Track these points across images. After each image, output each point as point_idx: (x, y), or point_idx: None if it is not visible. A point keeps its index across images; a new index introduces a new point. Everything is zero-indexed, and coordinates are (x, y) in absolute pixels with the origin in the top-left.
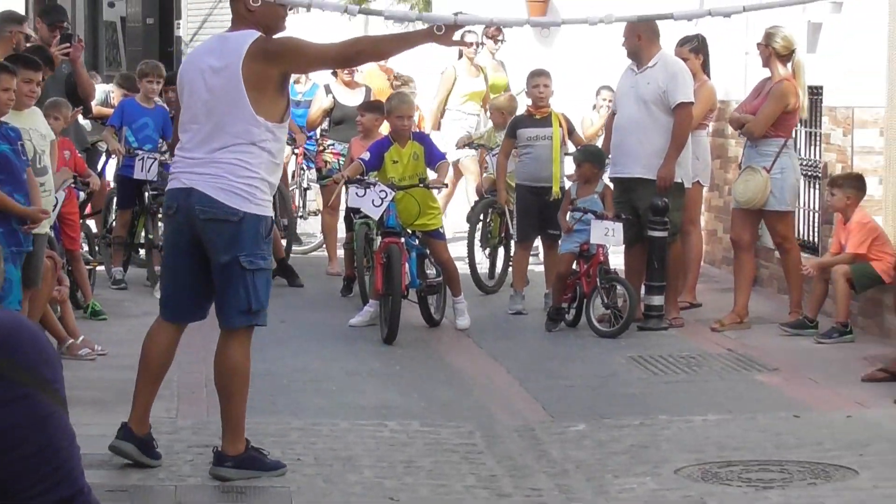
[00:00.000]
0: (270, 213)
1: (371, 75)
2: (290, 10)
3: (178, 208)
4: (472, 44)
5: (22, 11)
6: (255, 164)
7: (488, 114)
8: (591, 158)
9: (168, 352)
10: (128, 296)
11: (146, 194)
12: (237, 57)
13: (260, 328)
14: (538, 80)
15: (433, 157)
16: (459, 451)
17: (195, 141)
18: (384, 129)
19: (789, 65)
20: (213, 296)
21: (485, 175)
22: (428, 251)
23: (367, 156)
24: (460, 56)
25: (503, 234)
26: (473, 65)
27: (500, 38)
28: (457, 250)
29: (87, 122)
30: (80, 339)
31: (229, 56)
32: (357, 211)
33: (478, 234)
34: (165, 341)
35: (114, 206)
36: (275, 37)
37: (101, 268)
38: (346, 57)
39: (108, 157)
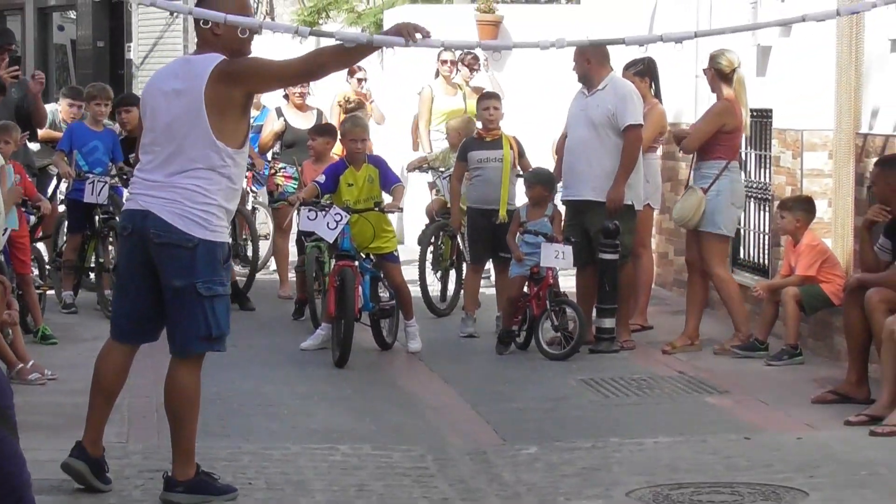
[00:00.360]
0: (227, 239)
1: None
2: (241, 32)
3: (134, 230)
4: (447, 62)
5: None
6: (212, 191)
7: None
8: (541, 181)
9: (120, 373)
10: (78, 320)
11: (97, 218)
12: (200, 80)
13: (220, 359)
14: (488, 102)
15: (388, 180)
16: (411, 474)
17: (155, 163)
18: (337, 148)
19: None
20: (164, 318)
21: (434, 197)
22: (382, 274)
23: (322, 179)
24: (437, 75)
25: (454, 257)
26: (450, 83)
27: (476, 67)
28: (409, 273)
29: (36, 145)
30: (30, 363)
31: (192, 79)
32: (309, 234)
33: (429, 257)
34: (117, 362)
35: (64, 230)
36: (239, 58)
37: (51, 292)
38: (309, 70)
39: (59, 180)
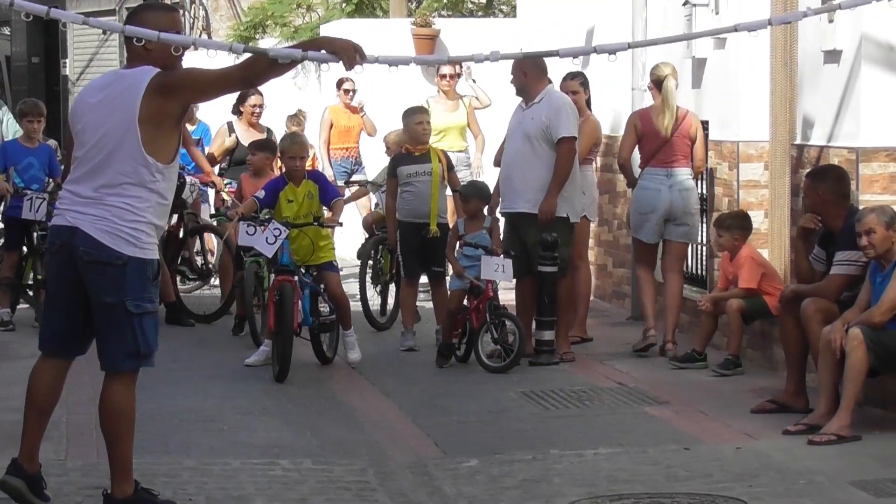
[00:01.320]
0: (156, 255)
1: (336, 112)
2: (174, 50)
3: (62, 246)
4: (445, 76)
5: None
6: (142, 209)
7: None
8: (478, 194)
9: (54, 387)
10: (15, 337)
11: (34, 234)
12: (134, 92)
13: (156, 367)
14: (420, 116)
15: (328, 195)
16: (352, 488)
17: (84, 177)
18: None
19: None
20: (93, 333)
21: (374, 209)
22: (322, 287)
23: (261, 194)
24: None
25: (394, 271)
26: (452, 98)
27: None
28: (348, 287)
29: None
30: None
31: (125, 92)
32: (248, 249)
33: (369, 271)
34: (50, 377)
35: None
36: (173, 70)
37: None
38: (247, 77)
39: None
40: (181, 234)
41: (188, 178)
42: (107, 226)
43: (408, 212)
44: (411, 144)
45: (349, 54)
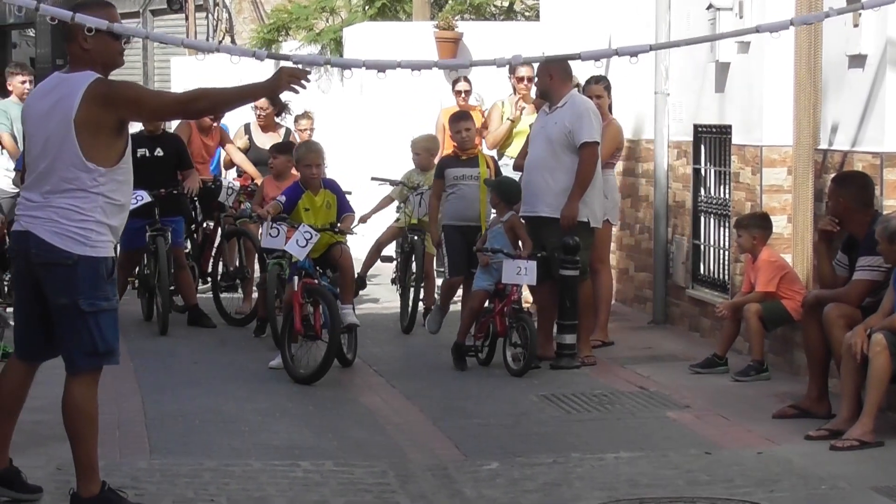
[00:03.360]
0: (109, 254)
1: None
2: (125, 42)
3: (19, 251)
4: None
5: None
6: (88, 209)
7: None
8: (498, 190)
9: (20, 388)
10: None
11: None
12: (72, 99)
13: (178, 369)
14: (460, 124)
15: (342, 209)
16: (373, 490)
17: (33, 183)
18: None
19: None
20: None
21: (391, 225)
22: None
23: (283, 199)
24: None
25: (415, 277)
26: (528, 103)
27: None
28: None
29: None
30: None
31: (64, 98)
32: (270, 251)
33: (391, 275)
34: (17, 378)
35: None
36: (116, 81)
37: None
38: (185, 111)
39: None
40: (217, 238)
41: (225, 182)
42: (55, 227)
43: (452, 214)
44: (458, 149)
45: (282, 85)
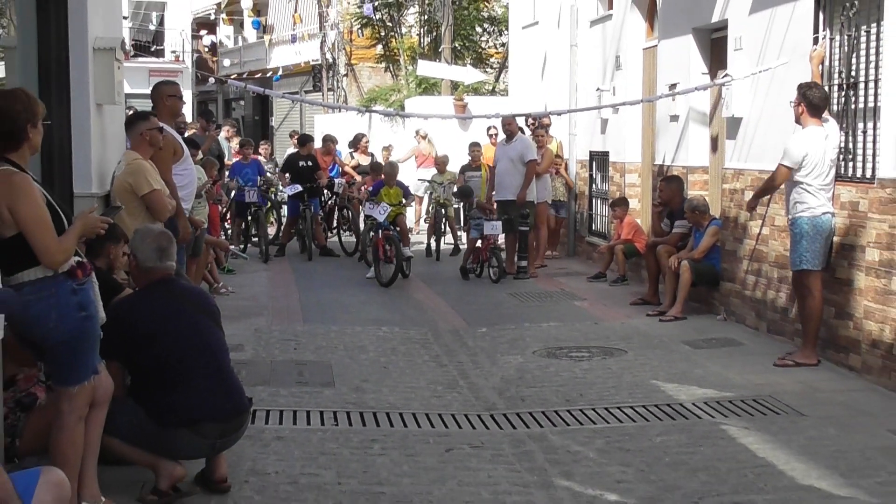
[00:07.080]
0: None
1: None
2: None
3: None
4: (493, 136)
5: None
6: None
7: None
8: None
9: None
10: (248, 264)
11: (251, 209)
12: None
13: (316, 278)
14: (475, 150)
15: (406, 196)
16: (419, 341)
17: None
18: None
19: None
20: None
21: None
22: (399, 229)
23: (372, 188)
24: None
25: (443, 229)
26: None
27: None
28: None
29: None
30: (221, 283)
31: None
32: (368, 216)
33: (424, 226)
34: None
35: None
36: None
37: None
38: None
39: None
40: (336, 208)
41: (337, 180)
42: None
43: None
44: (473, 161)
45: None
